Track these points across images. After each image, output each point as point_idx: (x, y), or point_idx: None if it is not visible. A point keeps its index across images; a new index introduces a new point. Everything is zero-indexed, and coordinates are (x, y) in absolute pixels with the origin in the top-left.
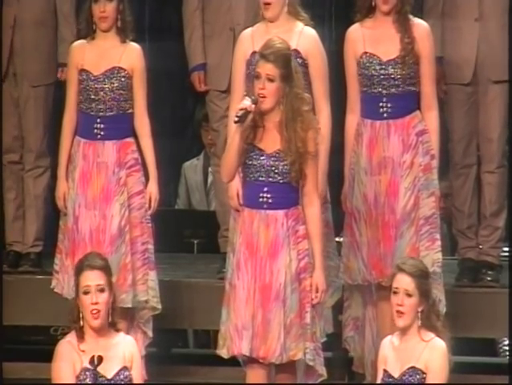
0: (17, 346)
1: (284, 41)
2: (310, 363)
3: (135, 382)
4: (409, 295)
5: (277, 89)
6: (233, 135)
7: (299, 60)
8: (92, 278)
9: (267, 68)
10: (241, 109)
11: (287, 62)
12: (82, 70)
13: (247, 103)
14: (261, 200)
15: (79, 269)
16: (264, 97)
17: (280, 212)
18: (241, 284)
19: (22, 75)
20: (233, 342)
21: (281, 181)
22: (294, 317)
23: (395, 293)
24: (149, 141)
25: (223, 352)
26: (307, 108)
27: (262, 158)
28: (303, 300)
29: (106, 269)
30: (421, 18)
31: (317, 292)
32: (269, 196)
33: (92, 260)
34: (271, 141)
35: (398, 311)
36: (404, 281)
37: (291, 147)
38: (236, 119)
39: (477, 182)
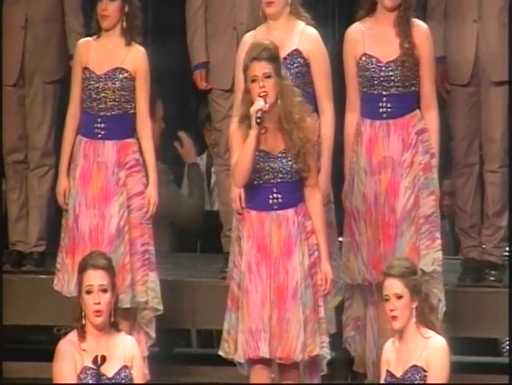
0: (18, 346)
1: (266, 38)
2: (328, 357)
3: (135, 381)
4: (399, 297)
5: (275, 84)
6: (250, 141)
7: (301, 60)
8: (95, 278)
9: (262, 67)
10: (258, 110)
11: (277, 56)
12: (85, 69)
13: (261, 103)
14: (271, 201)
15: (82, 268)
16: (266, 93)
17: (290, 211)
18: (253, 287)
19: (34, 73)
20: (249, 345)
21: (290, 180)
22: (310, 312)
23: (386, 300)
24: (150, 143)
25: (239, 356)
26: (300, 99)
27: (269, 160)
28: (316, 294)
29: (109, 269)
30: (424, 17)
31: (326, 282)
32: (279, 196)
33: (96, 259)
34: (275, 142)
35: (392, 316)
36: (392, 286)
37: (294, 139)
38: (258, 120)
39: (480, 181)
